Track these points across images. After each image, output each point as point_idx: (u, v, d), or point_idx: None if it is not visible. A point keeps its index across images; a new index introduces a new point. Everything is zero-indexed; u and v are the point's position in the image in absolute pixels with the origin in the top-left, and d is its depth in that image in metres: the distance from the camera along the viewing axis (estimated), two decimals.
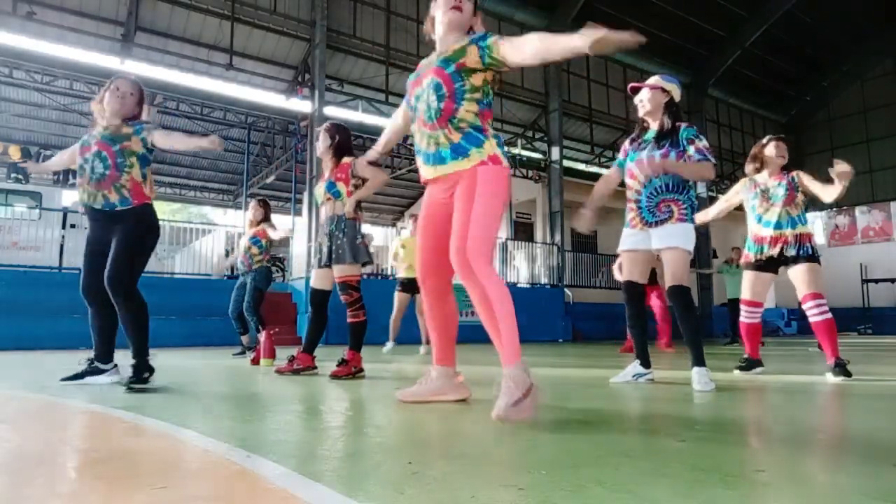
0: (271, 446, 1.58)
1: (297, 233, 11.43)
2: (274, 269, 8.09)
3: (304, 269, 10.48)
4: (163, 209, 27.17)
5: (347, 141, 3.94)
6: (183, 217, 28.36)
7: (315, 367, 3.93)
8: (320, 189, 3.85)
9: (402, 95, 13.22)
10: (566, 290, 13.64)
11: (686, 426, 1.91)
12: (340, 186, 3.74)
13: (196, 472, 1.34)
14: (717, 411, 2.28)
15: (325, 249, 3.77)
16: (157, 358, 3.08)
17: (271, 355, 4.81)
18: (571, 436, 1.73)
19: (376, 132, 13.02)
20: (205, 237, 11.32)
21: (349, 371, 3.61)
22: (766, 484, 1.19)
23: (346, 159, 3.80)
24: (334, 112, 12.46)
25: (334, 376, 3.56)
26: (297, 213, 12.43)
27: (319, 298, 3.90)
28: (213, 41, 11.25)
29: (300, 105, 11.87)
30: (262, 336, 4.95)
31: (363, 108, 12.92)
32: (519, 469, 1.31)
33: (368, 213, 22.02)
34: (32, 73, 10.31)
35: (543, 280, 13.62)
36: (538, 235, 15.51)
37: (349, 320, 3.74)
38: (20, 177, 10.82)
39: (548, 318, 12.61)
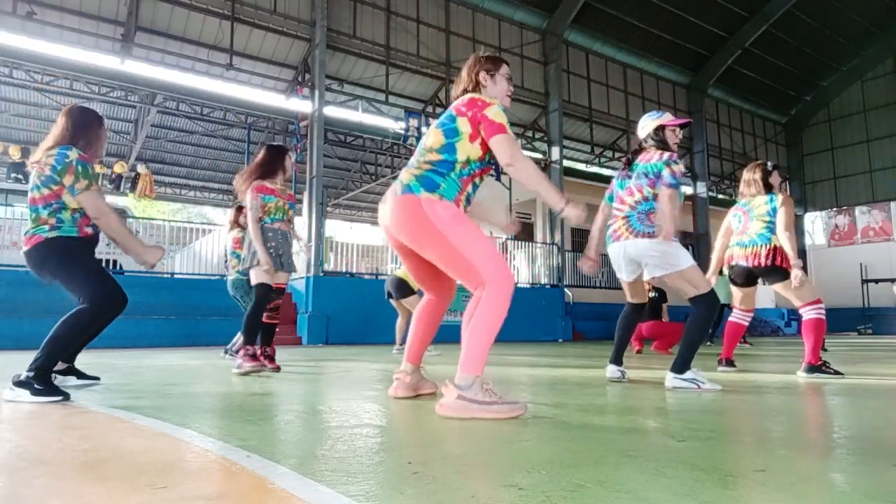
0: (271, 446, 1.58)
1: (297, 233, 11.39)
2: None
3: (304, 269, 10.47)
4: (163, 209, 27.17)
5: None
6: (183, 217, 28.33)
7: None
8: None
9: (402, 95, 13.06)
10: (566, 290, 13.64)
11: (686, 426, 1.91)
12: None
13: (196, 472, 1.34)
14: (717, 411, 2.28)
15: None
16: (154, 358, 3.07)
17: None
18: (571, 436, 1.73)
19: (376, 132, 13.06)
20: (205, 237, 11.32)
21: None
22: (765, 484, 1.19)
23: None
24: (334, 112, 12.46)
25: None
26: (298, 213, 12.41)
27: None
28: (213, 41, 11.24)
29: (300, 105, 11.86)
30: None
31: (363, 108, 12.91)
32: (519, 469, 1.31)
33: (369, 214, 21.99)
34: (32, 73, 10.31)
35: (543, 280, 13.62)
36: (538, 235, 15.51)
37: (269, 322, 4.12)
38: (20, 177, 10.82)
39: (548, 318, 12.61)
